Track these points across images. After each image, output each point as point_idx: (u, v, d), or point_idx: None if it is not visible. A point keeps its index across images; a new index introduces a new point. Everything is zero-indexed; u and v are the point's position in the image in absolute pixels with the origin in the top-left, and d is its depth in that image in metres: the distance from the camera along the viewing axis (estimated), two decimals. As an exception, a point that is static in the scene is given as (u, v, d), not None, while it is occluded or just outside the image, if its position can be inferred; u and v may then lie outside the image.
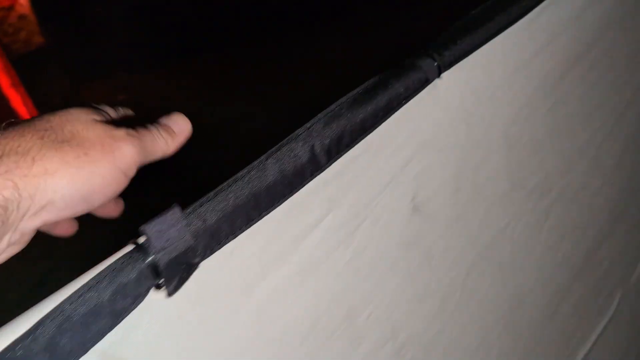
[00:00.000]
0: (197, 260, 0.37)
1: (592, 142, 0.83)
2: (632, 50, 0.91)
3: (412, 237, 0.54)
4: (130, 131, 0.37)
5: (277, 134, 0.44)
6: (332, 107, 0.45)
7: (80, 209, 0.34)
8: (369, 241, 0.50)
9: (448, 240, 0.59)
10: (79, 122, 0.35)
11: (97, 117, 0.37)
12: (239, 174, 0.40)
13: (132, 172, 0.36)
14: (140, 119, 0.41)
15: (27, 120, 0.34)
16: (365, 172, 0.48)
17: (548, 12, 0.66)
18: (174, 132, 0.40)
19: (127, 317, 0.34)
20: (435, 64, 0.52)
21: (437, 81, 0.52)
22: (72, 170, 0.32)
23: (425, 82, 0.51)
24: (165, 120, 0.40)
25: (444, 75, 0.53)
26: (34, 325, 0.31)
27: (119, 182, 0.35)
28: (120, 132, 0.36)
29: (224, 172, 0.42)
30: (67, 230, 0.39)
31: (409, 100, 0.50)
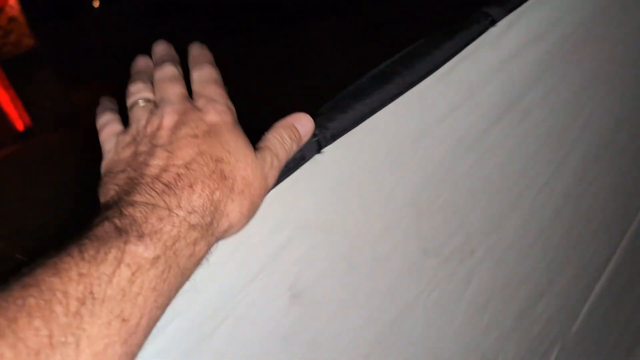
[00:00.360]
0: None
1: (526, 194, 0.80)
2: (575, 91, 0.88)
3: (290, 329, 0.50)
4: (275, 162, 0.40)
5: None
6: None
7: None
8: (231, 344, 0.45)
9: (340, 324, 0.55)
10: (248, 165, 0.37)
11: (253, 149, 0.39)
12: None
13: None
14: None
15: (208, 159, 0.36)
16: (224, 266, 0.43)
17: (470, 59, 0.63)
18: (300, 136, 0.43)
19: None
20: (315, 139, 0.47)
21: (317, 157, 0.48)
22: (245, 220, 0.37)
23: (300, 161, 0.46)
24: (293, 120, 0.43)
25: (328, 149, 0.49)
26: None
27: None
28: (269, 169, 0.39)
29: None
30: None
31: (279, 183, 0.46)
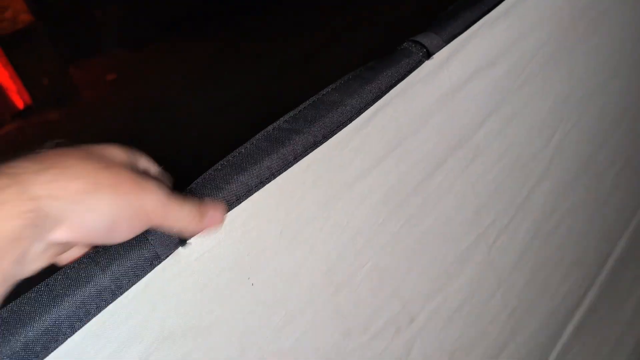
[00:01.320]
0: None
1: (480, 244, 0.74)
2: (542, 117, 0.81)
3: None
4: (162, 188, 0.38)
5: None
6: None
7: (107, 237, 0.37)
8: None
9: None
10: (118, 157, 0.39)
11: (132, 162, 0.40)
12: None
13: (148, 225, 0.38)
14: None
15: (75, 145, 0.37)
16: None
17: (398, 101, 0.56)
18: (202, 219, 0.40)
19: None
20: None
21: (180, 251, 0.41)
22: (106, 196, 0.35)
23: (153, 262, 0.39)
24: (205, 202, 0.41)
25: (196, 239, 0.41)
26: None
27: (140, 224, 0.37)
28: (153, 182, 0.38)
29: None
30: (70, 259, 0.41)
31: (131, 285, 0.38)
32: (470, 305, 0.76)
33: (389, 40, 0.61)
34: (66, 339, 0.36)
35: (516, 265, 0.83)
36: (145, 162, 0.43)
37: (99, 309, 0.37)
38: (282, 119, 0.49)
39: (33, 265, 0.35)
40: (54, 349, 0.35)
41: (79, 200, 0.34)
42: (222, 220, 0.42)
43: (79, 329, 0.36)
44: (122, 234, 0.37)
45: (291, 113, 0.49)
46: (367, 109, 0.52)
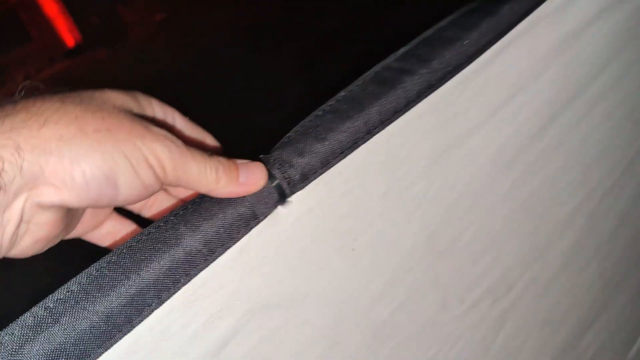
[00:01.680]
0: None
1: (584, 207, 0.65)
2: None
3: None
4: (176, 139, 0.31)
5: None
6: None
7: (107, 195, 0.29)
8: None
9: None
10: (116, 100, 0.31)
11: (136, 108, 0.32)
12: None
13: (162, 179, 0.30)
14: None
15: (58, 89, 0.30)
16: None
17: (519, 43, 0.47)
18: (236, 179, 0.32)
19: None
20: (274, 184, 0.33)
21: (279, 209, 0.34)
22: (92, 142, 0.28)
23: (251, 221, 0.33)
24: (240, 161, 0.34)
25: (296, 197, 0.35)
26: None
27: (148, 178, 0.30)
28: (160, 131, 0.30)
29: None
30: (107, 236, 0.37)
31: (226, 249, 0.32)
32: (566, 274, 0.67)
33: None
34: (152, 311, 0.30)
35: (614, 232, 0.74)
36: (160, 111, 0.35)
37: (188, 276, 0.31)
38: (391, 56, 0.41)
39: (26, 239, 0.29)
40: (138, 322, 0.30)
41: (56, 151, 0.27)
42: (261, 184, 0.33)
43: (166, 300, 0.30)
44: (127, 193, 0.29)
45: (402, 50, 0.41)
46: (488, 47, 0.43)
